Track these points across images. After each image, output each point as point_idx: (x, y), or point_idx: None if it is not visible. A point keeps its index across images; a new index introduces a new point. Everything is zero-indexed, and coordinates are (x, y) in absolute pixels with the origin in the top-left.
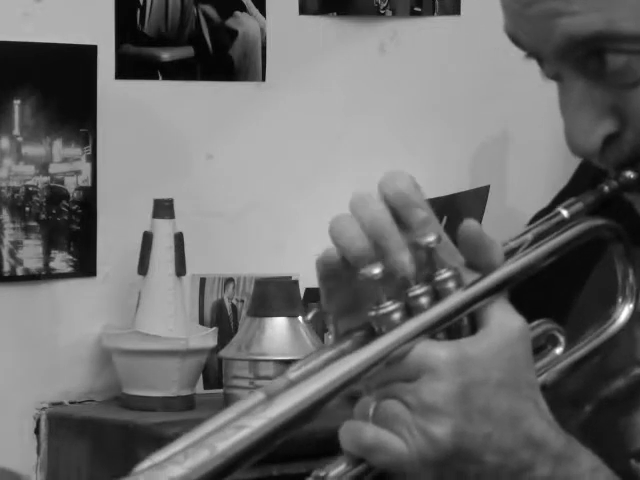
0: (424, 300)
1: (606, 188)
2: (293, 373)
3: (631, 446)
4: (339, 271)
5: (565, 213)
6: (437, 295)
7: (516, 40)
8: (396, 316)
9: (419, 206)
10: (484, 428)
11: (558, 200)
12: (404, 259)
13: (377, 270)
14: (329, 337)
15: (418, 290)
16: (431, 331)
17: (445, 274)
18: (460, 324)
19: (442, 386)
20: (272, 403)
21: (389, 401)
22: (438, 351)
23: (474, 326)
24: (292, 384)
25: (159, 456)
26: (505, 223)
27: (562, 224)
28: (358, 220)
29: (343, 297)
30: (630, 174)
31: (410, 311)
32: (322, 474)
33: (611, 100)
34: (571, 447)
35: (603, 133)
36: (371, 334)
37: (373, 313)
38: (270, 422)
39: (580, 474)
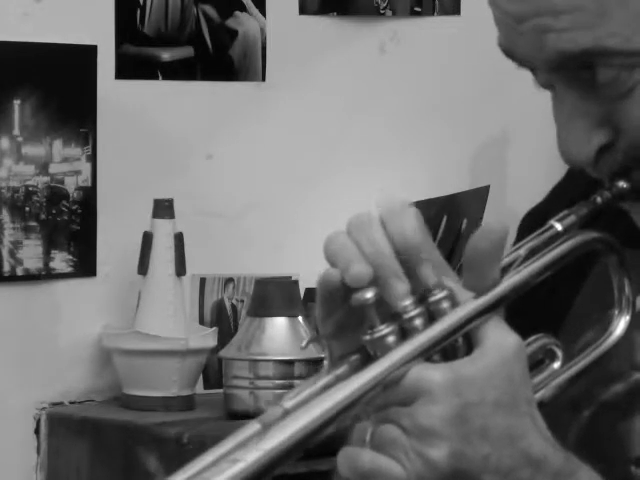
0: (418, 322)
1: (599, 199)
2: (289, 402)
3: (631, 452)
4: (339, 292)
5: (559, 226)
6: (431, 316)
7: (510, 54)
8: (391, 339)
9: (427, 259)
10: (482, 449)
11: (551, 198)
12: (400, 290)
13: (370, 294)
14: (324, 362)
15: (412, 312)
16: (426, 353)
17: (439, 294)
18: (455, 345)
19: (438, 409)
20: (266, 435)
21: (386, 426)
22: (432, 374)
23: (470, 346)
24: (287, 413)
25: None
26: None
27: (556, 238)
28: (355, 242)
29: (337, 319)
30: (623, 184)
31: (405, 333)
32: None
33: (603, 111)
34: (570, 463)
35: (597, 144)
36: (366, 358)
37: (368, 337)
38: (264, 454)
39: None
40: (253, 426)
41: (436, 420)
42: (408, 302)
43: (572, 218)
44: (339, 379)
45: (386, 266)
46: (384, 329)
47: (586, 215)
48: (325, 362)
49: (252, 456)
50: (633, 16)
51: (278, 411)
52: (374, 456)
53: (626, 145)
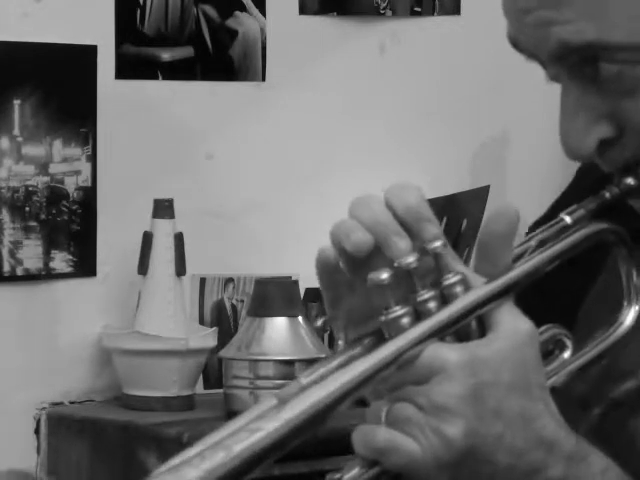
0: (432, 304)
1: (607, 194)
2: (305, 379)
3: None
4: (339, 272)
5: (568, 219)
6: (445, 299)
7: (516, 44)
8: (405, 320)
9: (430, 221)
10: (496, 428)
11: (556, 205)
12: (402, 245)
13: (385, 275)
14: (339, 343)
15: (426, 295)
16: (440, 334)
17: (452, 279)
18: (469, 329)
19: (453, 387)
20: (285, 406)
21: (401, 404)
22: (448, 353)
23: (483, 331)
24: (304, 389)
25: (175, 460)
26: None
27: (565, 230)
28: (355, 217)
29: (349, 305)
30: (630, 180)
31: (419, 315)
32: (337, 477)
33: (607, 106)
34: (582, 448)
35: (597, 137)
36: (381, 339)
37: (383, 318)
38: (285, 424)
39: (592, 474)
40: (270, 401)
41: (451, 398)
42: (412, 258)
43: (581, 212)
44: (354, 359)
45: (384, 226)
46: (399, 310)
47: (594, 209)
48: (340, 343)
49: (272, 425)
50: (637, 8)
51: (295, 387)
52: (390, 433)
53: (632, 141)
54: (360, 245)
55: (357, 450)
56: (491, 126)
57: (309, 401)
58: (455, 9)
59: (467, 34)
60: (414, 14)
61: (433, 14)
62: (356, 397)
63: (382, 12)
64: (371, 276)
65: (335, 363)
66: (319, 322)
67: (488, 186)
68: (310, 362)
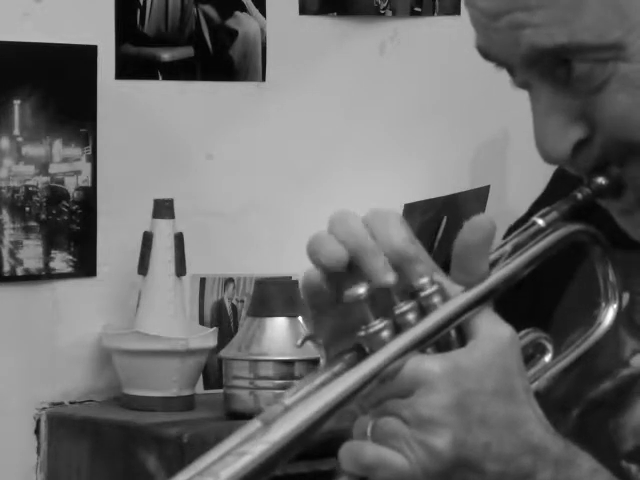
0: (411, 316)
1: (579, 195)
2: (288, 399)
3: (621, 447)
4: (325, 293)
5: (541, 222)
6: (423, 311)
7: (486, 54)
8: (385, 334)
9: (417, 261)
10: (483, 437)
11: (533, 210)
12: (379, 264)
13: (362, 290)
14: (321, 361)
15: (404, 307)
16: (421, 346)
17: (429, 289)
18: (449, 339)
19: (437, 398)
20: (271, 428)
21: (386, 418)
22: (430, 364)
23: (463, 339)
24: (288, 410)
25: None
26: (505, 223)
27: (539, 233)
28: (335, 235)
29: (331, 323)
30: (601, 180)
31: (398, 328)
32: None
33: (579, 106)
34: (570, 451)
35: (573, 139)
36: (362, 354)
37: (362, 333)
38: (271, 447)
39: (580, 477)
40: (254, 424)
41: (436, 409)
42: (391, 278)
43: (554, 214)
44: (336, 375)
45: (360, 245)
46: (378, 324)
47: (567, 211)
48: (321, 361)
49: (259, 449)
50: (607, 8)
51: (278, 408)
52: (377, 448)
53: (603, 139)
54: (333, 257)
55: (345, 467)
56: (491, 126)
57: (294, 422)
58: (455, 9)
59: (467, 34)
60: (414, 14)
61: (433, 14)
62: (341, 414)
63: (382, 12)
64: (348, 292)
65: (317, 381)
66: (299, 341)
67: (488, 186)
68: (310, 362)
